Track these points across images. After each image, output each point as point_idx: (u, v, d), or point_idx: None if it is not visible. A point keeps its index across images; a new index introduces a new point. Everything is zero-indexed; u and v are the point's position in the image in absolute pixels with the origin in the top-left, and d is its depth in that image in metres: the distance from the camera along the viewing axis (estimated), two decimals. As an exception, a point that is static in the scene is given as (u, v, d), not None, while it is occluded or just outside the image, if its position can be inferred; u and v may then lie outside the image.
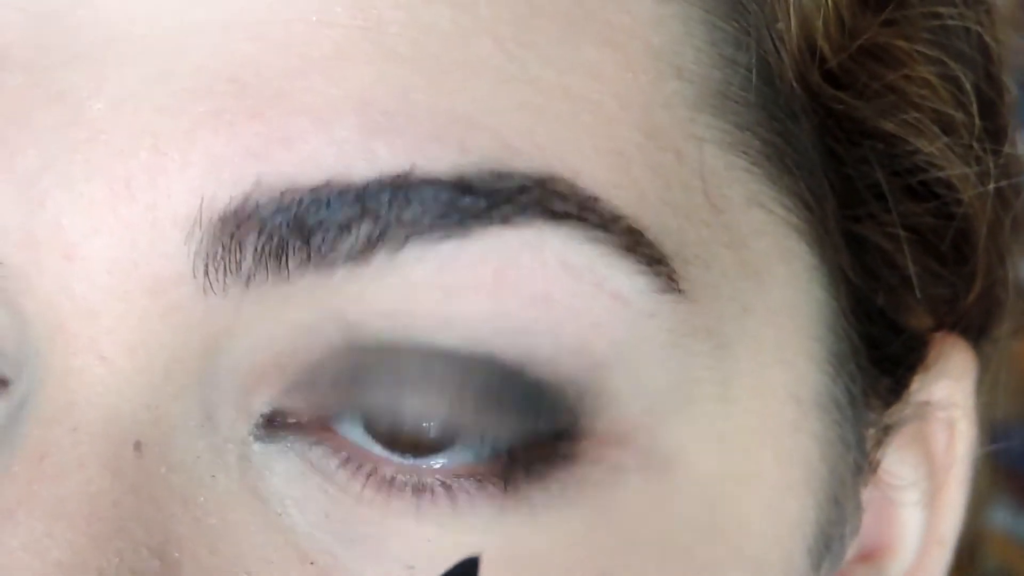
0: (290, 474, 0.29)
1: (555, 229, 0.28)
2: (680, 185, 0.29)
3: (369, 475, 0.29)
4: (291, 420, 0.29)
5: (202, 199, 0.27)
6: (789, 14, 0.31)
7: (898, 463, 0.36)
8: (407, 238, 0.27)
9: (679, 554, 0.30)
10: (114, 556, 0.27)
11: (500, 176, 0.27)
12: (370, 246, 0.27)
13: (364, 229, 0.27)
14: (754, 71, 0.30)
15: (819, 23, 0.31)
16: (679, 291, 0.29)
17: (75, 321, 0.28)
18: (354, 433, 0.29)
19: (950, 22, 0.34)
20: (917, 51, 0.33)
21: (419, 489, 0.29)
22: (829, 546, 0.34)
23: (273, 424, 0.29)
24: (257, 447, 0.29)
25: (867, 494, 0.35)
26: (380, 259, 0.27)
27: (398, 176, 0.27)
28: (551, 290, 0.28)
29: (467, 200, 0.27)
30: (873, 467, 0.35)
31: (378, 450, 0.29)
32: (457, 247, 0.28)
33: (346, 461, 0.29)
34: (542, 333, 0.28)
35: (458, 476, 0.29)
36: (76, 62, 0.28)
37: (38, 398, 0.29)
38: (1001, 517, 0.37)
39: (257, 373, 0.29)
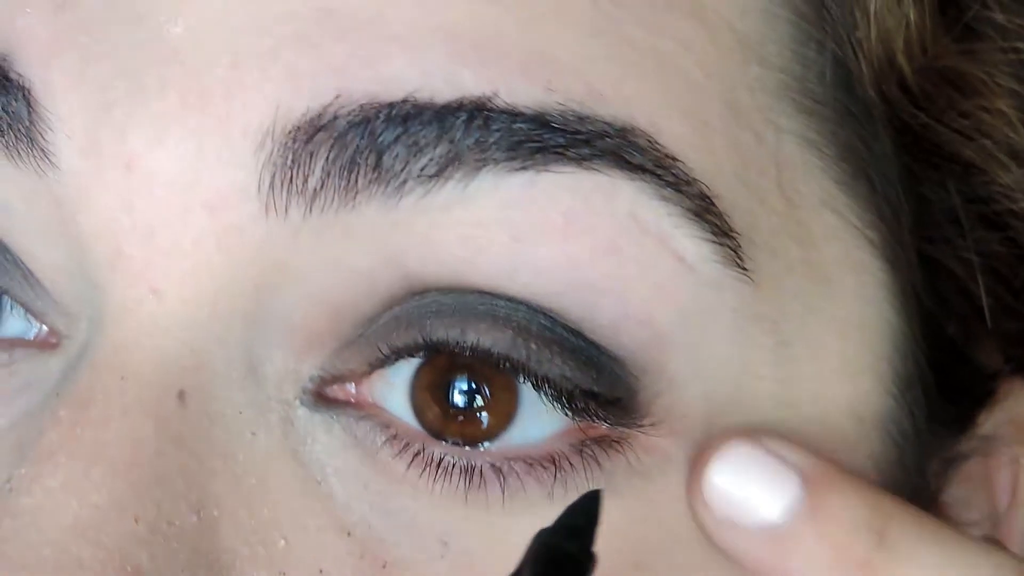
0: (333, 445, 0.29)
1: (628, 180, 0.28)
2: (757, 168, 0.29)
3: (416, 454, 0.28)
4: (340, 397, 0.29)
5: (277, 108, 0.27)
6: (870, 24, 0.30)
7: (961, 502, 0.35)
8: (480, 166, 0.27)
9: (720, 558, 0.29)
10: (152, 505, 0.27)
11: (581, 119, 0.27)
12: (443, 169, 0.27)
13: (439, 151, 0.27)
14: (832, 72, 0.30)
15: (899, 38, 0.31)
16: (744, 269, 0.28)
17: (132, 243, 0.28)
18: (405, 417, 0.29)
19: None
20: (996, 83, 0.33)
21: (468, 471, 0.28)
22: None
23: (322, 396, 0.29)
24: (302, 412, 0.29)
25: None
26: (451, 188, 0.27)
27: (479, 100, 0.27)
28: (619, 241, 0.28)
29: (545, 134, 0.27)
30: (933, 497, 0.34)
31: (427, 435, 0.29)
32: (529, 182, 0.27)
33: (393, 439, 0.29)
34: (608, 292, 0.28)
35: (508, 459, 0.28)
36: None
37: (94, 342, 0.28)
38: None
39: (309, 331, 0.28)
